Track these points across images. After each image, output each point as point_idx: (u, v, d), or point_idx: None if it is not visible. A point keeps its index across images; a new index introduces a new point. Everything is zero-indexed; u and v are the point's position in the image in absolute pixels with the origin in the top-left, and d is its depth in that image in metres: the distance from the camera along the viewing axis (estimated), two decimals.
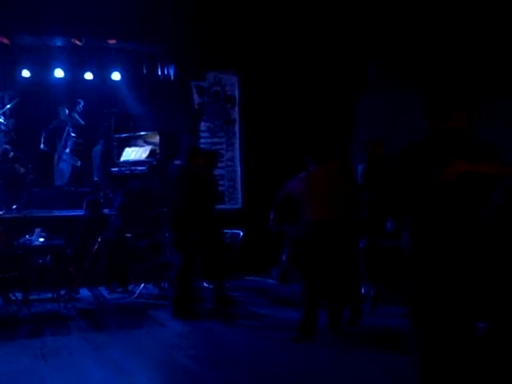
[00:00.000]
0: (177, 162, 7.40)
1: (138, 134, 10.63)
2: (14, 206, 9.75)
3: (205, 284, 8.01)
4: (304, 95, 10.11)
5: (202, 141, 10.46)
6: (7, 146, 10.68)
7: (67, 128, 11.17)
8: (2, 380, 5.11)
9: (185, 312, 6.94)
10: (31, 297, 7.55)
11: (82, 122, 11.28)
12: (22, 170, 10.18)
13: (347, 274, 6.16)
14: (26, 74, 10.72)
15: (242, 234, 8.41)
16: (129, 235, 8.34)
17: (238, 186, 10.46)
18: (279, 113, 10.24)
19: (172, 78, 10.88)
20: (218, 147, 10.45)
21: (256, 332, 6.43)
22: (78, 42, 10.27)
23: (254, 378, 5.14)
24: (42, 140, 11.14)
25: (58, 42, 10.55)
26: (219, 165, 10.19)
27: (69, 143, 11.21)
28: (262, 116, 10.28)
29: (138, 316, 7.25)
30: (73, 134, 11.26)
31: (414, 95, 3.90)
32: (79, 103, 11.29)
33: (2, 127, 11.20)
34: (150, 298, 8.04)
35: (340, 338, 5.98)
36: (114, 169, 10.21)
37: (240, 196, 10.42)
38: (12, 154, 10.58)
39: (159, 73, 11.02)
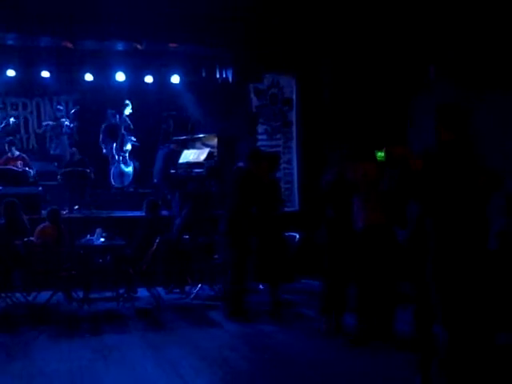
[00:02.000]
0: (239, 164, 7.40)
1: (196, 136, 10.76)
2: (77, 207, 10.03)
3: (260, 286, 8.03)
4: (361, 97, 10.01)
5: (259, 143, 10.49)
6: (74, 149, 11.02)
7: (121, 130, 11.43)
8: (63, 376, 5.27)
9: (238, 313, 6.98)
10: (92, 295, 7.74)
11: (129, 123, 11.49)
12: (85, 172, 10.48)
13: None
14: (88, 77, 11.02)
15: (298, 236, 8.38)
16: (187, 237, 8.44)
17: (295, 188, 10.44)
18: (336, 115, 10.17)
19: (230, 80, 10.96)
20: (275, 150, 10.46)
21: (310, 335, 6.40)
22: (138, 46, 10.48)
23: (306, 381, 5.14)
24: (101, 142, 11.43)
25: (120, 46, 10.79)
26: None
27: (126, 145, 11.44)
28: (320, 118, 10.24)
29: (195, 316, 7.34)
30: (131, 137, 11.49)
31: (473, 96, 4.24)
32: (127, 105, 11.52)
33: (67, 130, 11.55)
34: (207, 299, 8.13)
35: (393, 342, 5.90)
36: (172, 171, 10.36)
37: (297, 199, 10.40)
38: (77, 156, 10.92)
39: (218, 75, 11.13)
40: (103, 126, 11.49)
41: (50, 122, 11.85)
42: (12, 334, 6.53)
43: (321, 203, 6.37)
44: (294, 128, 10.65)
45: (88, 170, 10.52)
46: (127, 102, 11.49)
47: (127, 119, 11.52)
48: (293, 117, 10.66)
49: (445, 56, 9.21)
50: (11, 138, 11.34)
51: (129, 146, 11.53)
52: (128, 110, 11.51)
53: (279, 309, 7.27)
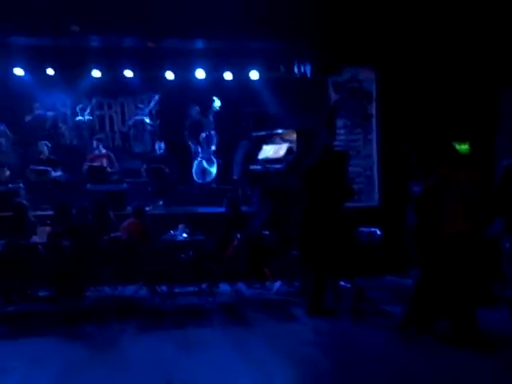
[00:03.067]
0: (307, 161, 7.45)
1: (275, 131, 10.79)
2: (160, 203, 10.29)
3: (342, 283, 7.97)
4: (444, 90, 9.75)
5: (338, 137, 10.41)
6: (157, 146, 11.31)
7: (204, 127, 11.62)
8: (150, 367, 5.47)
9: (318, 309, 6.98)
10: (175, 290, 7.93)
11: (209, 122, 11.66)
12: (167, 168, 10.73)
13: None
14: (169, 76, 11.26)
15: (379, 232, 8.26)
16: (267, 232, 8.50)
17: (375, 183, 10.30)
18: (418, 108, 9.96)
19: (309, 75, 10.92)
20: (354, 144, 10.37)
21: (391, 332, 6.31)
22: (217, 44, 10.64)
23: (386, 378, 5.10)
24: (186, 138, 11.66)
25: (199, 44, 10.96)
26: (355, 162, 10.17)
27: (211, 142, 11.62)
28: (400, 111, 10.04)
29: (276, 312, 7.38)
30: (214, 133, 11.66)
31: None
32: (214, 101, 11.68)
33: (150, 128, 11.87)
34: (288, 294, 8.13)
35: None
36: (252, 167, 10.44)
37: (377, 193, 10.26)
38: (160, 153, 11.21)
39: (296, 70, 11.11)
40: (187, 122, 11.70)
41: (134, 119, 12.21)
42: (100, 326, 6.79)
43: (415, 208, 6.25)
44: (373, 121, 10.50)
45: (170, 167, 10.77)
46: (214, 98, 11.65)
47: (211, 116, 11.69)
48: (373, 110, 10.51)
49: None
50: (100, 135, 11.79)
51: (212, 143, 11.69)
52: (216, 105, 11.68)
53: (360, 305, 7.21)
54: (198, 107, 11.69)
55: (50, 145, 11.00)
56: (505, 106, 9.86)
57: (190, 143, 11.82)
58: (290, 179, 8.82)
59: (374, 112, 10.50)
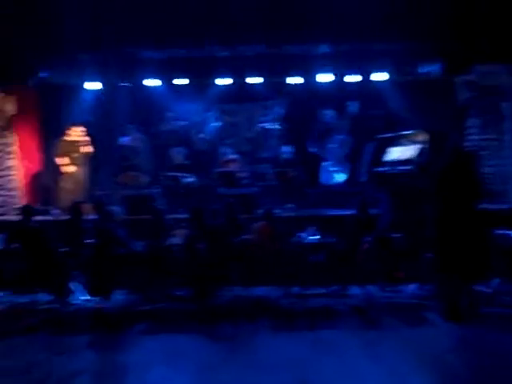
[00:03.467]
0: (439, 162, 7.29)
1: (402, 133, 10.61)
2: (290, 205, 10.42)
3: (482, 288, 7.67)
4: None
5: (469, 137, 10.09)
6: (284, 150, 11.50)
7: (336, 131, 11.63)
8: (284, 366, 5.62)
9: (453, 314, 6.80)
10: (306, 291, 8.01)
11: (347, 125, 11.65)
12: (294, 172, 10.87)
13: None
14: (294, 80, 11.42)
15: None
16: (398, 235, 8.38)
17: (510, 184, 9.87)
18: None
19: (437, 74, 10.68)
20: (487, 144, 10.00)
21: None
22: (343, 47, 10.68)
23: None
24: (314, 141, 11.75)
25: (326, 48, 11.04)
26: (489, 162, 9.81)
27: (342, 145, 11.62)
28: None
29: (409, 316, 7.24)
30: (342, 136, 11.66)
31: None
32: (350, 106, 11.68)
33: (277, 132, 12.07)
34: (421, 297, 7.94)
35: None
36: (379, 169, 10.34)
37: (511, 195, 9.83)
38: (287, 157, 11.39)
39: (423, 70, 10.90)
40: (318, 126, 11.78)
41: (262, 126, 12.48)
42: (235, 325, 7.00)
43: None
44: (507, 121, 10.07)
45: (298, 170, 10.90)
46: (350, 103, 11.69)
47: (344, 120, 11.71)
48: (508, 109, 10.08)
49: None
50: (229, 141, 12.18)
51: (344, 146, 11.69)
52: (350, 110, 11.71)
53: (473, 308, 6.93)
54: (330, 111, 11.73)
55: (183, 151, 11.48)
56: None
57: (320, 147, 11.85)
58: (420, 180, 8.66)
59: (509, 111, 10.06)
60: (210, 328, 6.92)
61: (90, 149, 10.95)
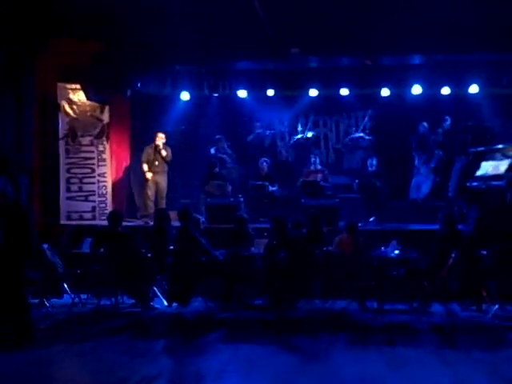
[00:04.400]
0: None
1: (495, 147, 10.24)
2: (372, 218, 10.29)
3: None
4: None
5: None
6: (371, 162, 11.38)
7: (429, 144, 11.38)
8: (357, 381, 5.49)
9: None
10: (385, 307, 7.87)
11: (437, 139, 11.36)
12: (379, 184, 10.72)
13: None
14: (385, 92, 11.28)
15: None
16: (484, 252, 8.07)
17: None
18: None
19: None
20: None
21: None
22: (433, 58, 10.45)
23: None
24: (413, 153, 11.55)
25: (416, 60, 10.85)
26: None
27: (432, 158, 11.36)
28: None
29: (492, 337, 6.94)
30: (437, 151, 11.37)
31: None
32: (446, 120, 11.41)
33: (364, 144, 11.96)
34: (507, 319, 7.62)
35: None
36: (469, 183, 10.02)
37: None
38: (372, 169, 11.25)
39: None
40: (413, 137, 11.58)
41: (350, 137, 12.41)
42: (311, 338, 6.94)
43: None
44: None
45: (383, 183, 10.75)
46: (447, 117, 11.45)
47: (439, 133, 11.46)
48: None
49: None
50: (316, 152, 12.19)
51: (434, 159, 11.41)
52: (444, 124, 11.47)
53: None
54: (425, 123, 11.51)
55: (268, 161, 11.60)
56: None
57: (415, 158, 11.60)
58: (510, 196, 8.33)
59: None
60: (285, 339, 6.90)
61: (170, 156, 11.22)
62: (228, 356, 6.31)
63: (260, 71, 11.43)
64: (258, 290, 8.20)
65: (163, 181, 11.19)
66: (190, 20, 9.07)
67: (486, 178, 9.84)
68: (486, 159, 10.20)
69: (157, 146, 11.11)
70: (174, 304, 8.12)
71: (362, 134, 12.19)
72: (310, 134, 12.52)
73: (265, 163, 11.48)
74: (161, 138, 11.17)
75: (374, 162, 11.42)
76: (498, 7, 8.50)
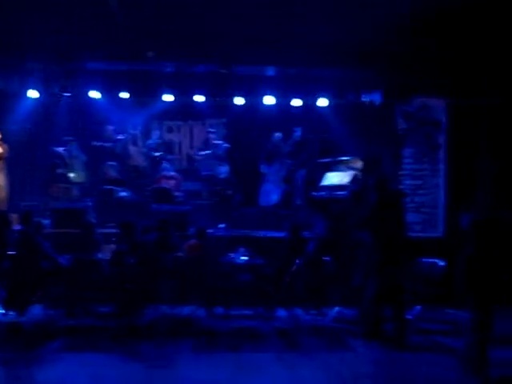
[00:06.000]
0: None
1: (340, 158, 10.74)
2: (222, 225, 10.38)
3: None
4: None
5: (404, 166, 10.29)
6: (223, 169, 11.48)
7: (280, 153, 11.69)
8: None
9: (372, 338, 6.84)
10: (232, 312, 7.96)
11: (287, 149, 11.72)
12: (230, 191, 10.86)
13: None
14: (238, 101, 11.45)
15: (441, 263, 8.04)
16: (327, 258, 8.43)
17: (441, 214, 10.06)
18: (489, 139, 9.74)
19: (377, 103, 10.86)
20: (421, 173, 10.21)
21: (449, 366, 6.12)
22: (286, 71, 10.76)
23: None
24: (261, 162, 11.78)
25: (270, 72, 11.11)
26: (421, 192, 10.05)
27: (283, 168, 11.67)
28: (469, 142, 9.84)
29: (331, 339, 7.27)
30: (287, 160, 11.71)
31: None
32: (296, 131, 11.76)
33: (218, 152, 12.05)
34: (345, 321, 8.00)
35: None
36: (315, 193, 10.42)
37: (442, 224, 10.02)
38: (223, 176, 11.36)
39: (364, 98, 11.07)
40: (265, 147, 11.82)
41: (203, 144, 12.46)
42: (158, 344, 6.87)
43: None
44: (442, 152, 10.30)
45: (234, 190, 10.90)
46: (297, 128, 11.76)
47: (290, 143, 11.78)
48: (441, 140, 10.32)
49: None
50: (168, 158, 12.09)
51: (284, 168, 11.73)
52: (294, 134, 11.79)
53: (403, 336, 7.00)
54: (279, 133, 11.80)
55: (116, 165, 11.29)
56: None
57: (263, 167, 11.86)
58: (352, 207, 8.76)
59: (442, 142, 10.30)
60: (131, 346, 6.79)
61: (4, 154, 10.51)
62: (69, 366, 6.08)
63: (114, 73, 11.12)
64: (105, 296, 7.95)
65: (1, 180, 10.50)
66: (39, 15, 8.67)
67: (331, 188, 10.27)
68: (331, 170, 10.66)
69: None
70: (11, 312, 7.66)
71: (215, 142, 12.27)
72: (163, 140, 12.42)
73: (111, 168, 11.16)
74: None
75: (227, 169, 11.54)
76: (345, 27, 8.95)
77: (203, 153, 12.23)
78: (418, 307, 7.50)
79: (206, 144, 12.50)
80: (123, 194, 10.91)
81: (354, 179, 10.05)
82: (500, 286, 5.79)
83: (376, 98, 10.92)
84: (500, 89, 9.57)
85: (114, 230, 8.78)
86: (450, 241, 9.31)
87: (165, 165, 11.71)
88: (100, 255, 8.21)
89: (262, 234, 9.92)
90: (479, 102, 9.82)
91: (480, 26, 8.71)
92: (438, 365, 6.26)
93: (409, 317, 7.37)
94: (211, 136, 12.41)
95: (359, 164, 10.41)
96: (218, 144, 12.13)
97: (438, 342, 7.25)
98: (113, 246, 8.33)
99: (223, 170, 11.54)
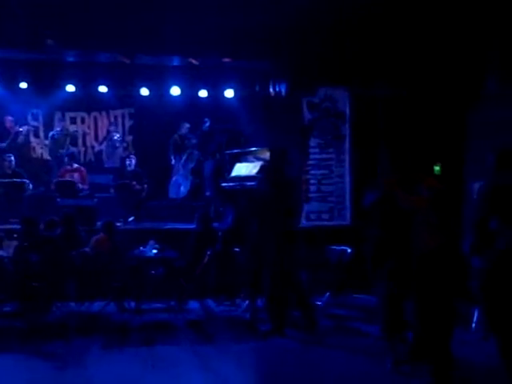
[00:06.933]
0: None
1: (248, 149, 10.80)
2: (131, 218, 10.21)
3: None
4: (416, 110, 9.89)
5: (311, 156, 10.47)
6: (129, 161, 11.26)
7: (188, 144, 11.61)
8: (118, 382, 5.45)
9: (281, 327, 6.93)
10: (143, 306, 7.85)
11: (195, 140, 11.67)
12: (138, 185, 10.68)
13: None
14: (144, 92, 11.27)
15: (349, 251, 8.28)
16: (237, 249, 8.46)
17: (347, 202, 10.34)
18: (390, 128, 10.08)
19: (283, 94, 10.99)
20: (327, 163, 10.42)
21: (359, 352, 6.29)
22: (194, 61, 10.67)
23: None
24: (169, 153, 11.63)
25: (175, 62, 10.99)
26: (328, 181, 10.26)
27: (191, 159, 11.60)
28: (373, 132, 10.15)
29: (243, 330, 7.29)
30: (195, 151, 11.65)
31: None
32: (205, 122, 11.70)
33: (123, 143, 11.83)
34: (256, 311, 8.06)
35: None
36: (224, 184, 10.44)
37: (349, 213, 10.30)
38: (131, 168, 11.14)
39: (271, 89, 11.18)
40: (172, 138, 11.68)
41: (109, 136, 12.18)
42: (65, 342, 6.66)
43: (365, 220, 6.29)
44: (346, 142, 10.57)
45: (142, 183, 10.73)
46: (206, 119, 11.67)
47: (198, 134, 11.69)
48: (346, 130, 10.58)
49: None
50: (72, 151, 11.71)
51: (192, 160, 11.66)
52: (203, 125, 11.71)
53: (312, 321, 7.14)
54: (187, 124, 11.69)
55: (12, 157, 10.78)
56: (473, 125, 10.01)
57: (171, 159, 11.73)
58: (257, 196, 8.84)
59: (347, 132, 10.56)
60: (38, 346, 6.52)
61: None
62: None
63: (12, 61, 10.64)
64: (8, 295, 7.63)
65: None
66: None
67: (240, 178, 10.31)
68: (240, 161, 10.71)
69: None
70: None
71: (121, 133, 12.04)
72: (66, 131, 12.02)
73: (11, 159, 10.62)
74: None
75: (133, 161, 11.34)
76: (250, 18, 8.97)
77: (108, 145, 11.97)
78: (327, 293, 7.67)
79: (112, 135, 12.24)
80: (26, 187, 10.43)
81: (260, 169, 10.13)
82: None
83: (282, 88, 11.04)
84: (393, 80, 9.93)
85: (16, 226, 8.44)
86: (357, 228, 9.61)
87: (68, 157, 11.34)
88: (1, 252, 7.87)
89: (171, 226, 9.84)
90: (375, 93, 10.16)
91: (381, 17, 9.02)
92: (351, 350, 6.42)
93: (318, 303, 7.55)
94: (112, 128, 12.16)
95: (267, 154, 10.51)
96: (123, 135, 11.90)
97: (348, 326, 7.46)
98: (15, 243, 8.00)
99: (130, 162, 11.32)
